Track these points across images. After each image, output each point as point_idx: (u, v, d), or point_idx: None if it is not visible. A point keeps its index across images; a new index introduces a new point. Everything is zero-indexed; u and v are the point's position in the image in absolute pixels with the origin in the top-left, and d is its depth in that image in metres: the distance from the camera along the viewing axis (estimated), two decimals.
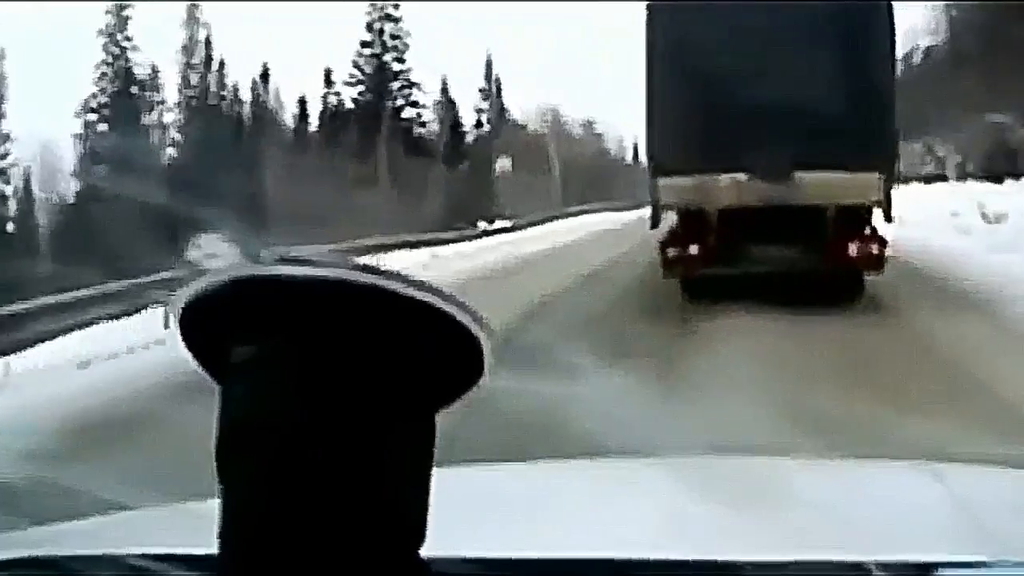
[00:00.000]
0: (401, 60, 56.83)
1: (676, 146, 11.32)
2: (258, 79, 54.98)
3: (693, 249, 11.42)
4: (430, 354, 0.65)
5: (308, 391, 0.63)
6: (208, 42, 52.93)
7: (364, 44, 56.74)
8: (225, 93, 53.89)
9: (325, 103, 57.41)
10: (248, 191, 34.19)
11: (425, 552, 0.66)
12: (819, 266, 11.17)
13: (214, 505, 0.65)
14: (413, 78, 56.77)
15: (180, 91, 52.43)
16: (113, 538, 1.44)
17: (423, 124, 58.39)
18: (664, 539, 1.34)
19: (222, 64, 53.34)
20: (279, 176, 41.37)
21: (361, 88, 56.37)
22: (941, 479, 1.66)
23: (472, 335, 0.65)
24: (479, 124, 62.57)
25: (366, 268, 0.63)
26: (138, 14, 50.17)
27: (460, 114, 61.24)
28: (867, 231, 11.29)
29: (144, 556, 1.20)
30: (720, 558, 1.18)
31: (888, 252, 11.30)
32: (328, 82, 57.87)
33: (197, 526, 1.19)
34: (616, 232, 27.40)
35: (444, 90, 60.15)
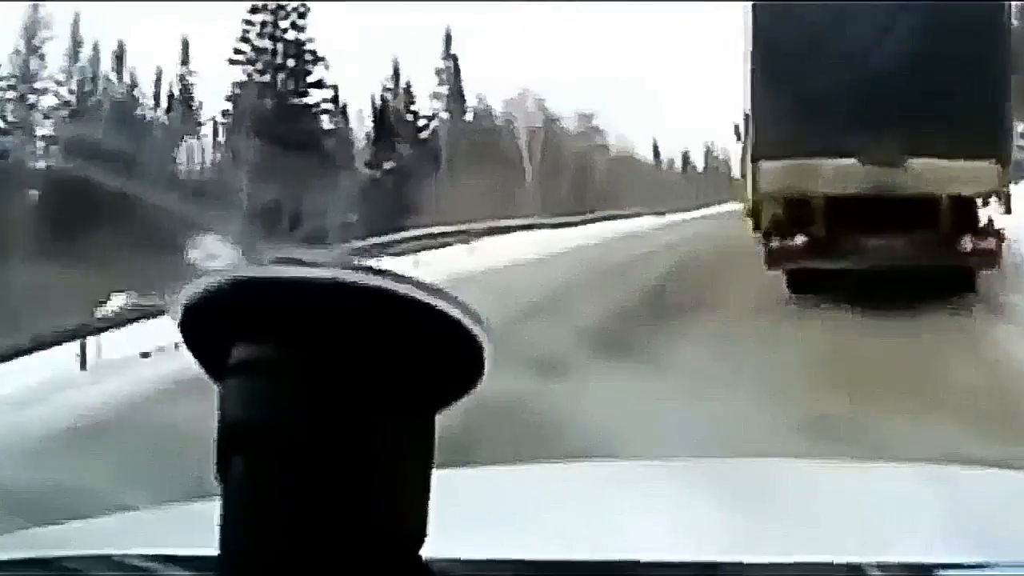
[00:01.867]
0: (299, 28, 41.91)
1: (779, 128, 10.61)
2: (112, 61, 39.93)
3: (799, 239, 10.69)
4: (430, 355, 0.65)
5: (308, 392, 0.63)
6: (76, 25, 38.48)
7: (255, 10, 41.18)
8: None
9: (184, 84, 42.17)
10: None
11: (425, 553, 0.66)
12: (931, 260, 10.38)
13: (214, 505, 0.65)
14: (319, 52, 41.71)
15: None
16: (113, 538, 1.44)
17: (335, 112, 43.67)
18: (664, 540, 1.34)
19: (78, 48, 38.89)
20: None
21: (250, 68, 41.28)
22: (941, 480, 1.66)
23: (473, 335, 0.65)
24: (413, 118, 48.38)
25: (365, 269, 0.63)
26: None
27: (408, 100, 48.50)
28: (983, 224, 10.55)
29: (144, 556, 1.20)
30: (720, 558, 1.18)
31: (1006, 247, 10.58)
32: (185, 59, 41.95)
33: (197, 526, 1.19)
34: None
35: (396, 74, 48.21)
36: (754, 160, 11.07)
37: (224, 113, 41.93)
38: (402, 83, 48.33)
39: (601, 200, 44.51)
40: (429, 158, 45.46)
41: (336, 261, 0.64)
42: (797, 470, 1.97)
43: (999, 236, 10.59)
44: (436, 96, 50.33)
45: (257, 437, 0.63)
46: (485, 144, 48.13)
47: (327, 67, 42.08)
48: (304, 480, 0.62)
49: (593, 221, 34.16)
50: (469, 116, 51.45)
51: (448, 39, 49.89)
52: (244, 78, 41.25)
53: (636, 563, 1.16)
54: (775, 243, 10.94)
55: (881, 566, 1.10)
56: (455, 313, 0.64)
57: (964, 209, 10.60)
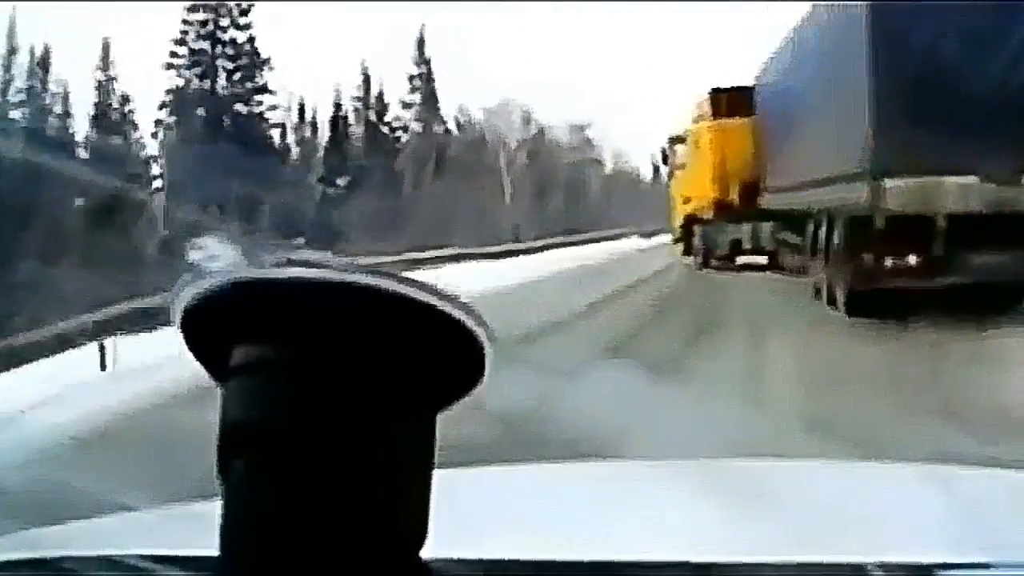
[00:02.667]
0: (240, 27, 37.73)
1: (902, 146, 10.46)
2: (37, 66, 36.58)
3: (911, 258, 10.61)
4: (430, 355, 0.65)
5: (309, 393, 0.63)
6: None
7: (192, 8, 37.71)
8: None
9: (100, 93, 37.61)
10: None
11: (425, 553, 0.66)
12: None
13: (214, 505, 0.65)
14: (271, 54, 38.08)
15: None
16: (113, 538, 1.44)
17: (284, 121, 39.83)
18: (664, 540, 1.34)
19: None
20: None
21: (189, 72, 37.72)
22: (941, 480, 1.66)
23: (473, 335, 0.65)
24: (376, 128, 43.38)
25: (366, 270, 0.63)
26: None
27: (374, 111, 43.59)
28: None
29: (144, 556, 1.20)
30: (720, 559, 1.18)
31: None
32: (105, 64, 38.04)
33: (197, 526, 1.19)
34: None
35: (366, 80, 43.41)
36: (876, 177, 10.82)
37: (157, 123, 38.06)
38: (374, 91, 44.08)
39: (588, 219, 41.03)
40: (391, 174, 41.47)
41: (337, 263, 0.64)
42: (797, 470, 1.97)
43: None
44: (406, 105, 45.49)
45: (258, 438, 0.63)
46: (460, 158, 44.23)
47: (271, 69, 38.07)
48: (305, 481, 0.62)
49: (557, 246, 30.58)
50: (449, 127, 47.00)
51: (421, 41, 45.05)
52: (180, 83, 37.66)
53: (636, 563, 1.16)
54: (888, 262, 10.75)
55: (881, 566, 1.10)
56: (456, 313, 0.64)
57: None
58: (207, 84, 37.93)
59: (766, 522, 1.47)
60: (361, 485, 0.63)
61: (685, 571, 1.16)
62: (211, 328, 0.65)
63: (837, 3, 11.83)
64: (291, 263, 0.63)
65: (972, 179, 10.37)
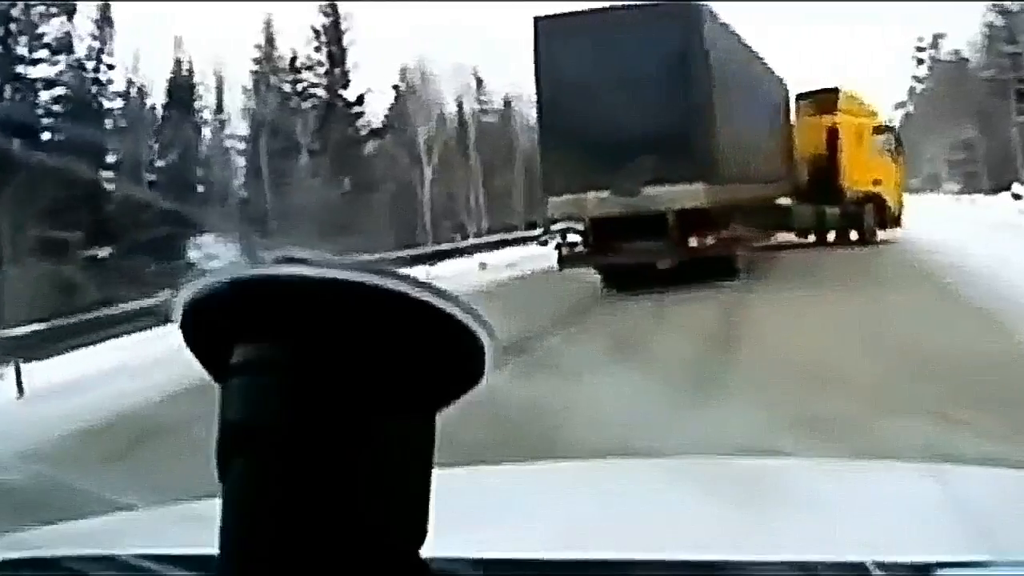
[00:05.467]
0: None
1: (558, 172, 15.88)
2: None
3: (579, 247, 16.92)
4: (430, 354, 0.65)
5: (308, 391, 0.63)
6: None
7: None
8: None
9: None
10: None
11: (424, 552, 0.66)
12: (670, 257, 15.40)
13: (214, 505, 0.65)
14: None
15: None
16: (113, 538, 1.44)
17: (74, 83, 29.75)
18: (664, 539, 1.34)
19: None
20: None
21: None
22: (940, 479, 1.66)
23: (473, 334, 0.65)
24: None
25: (366, 268, 0.63)
26: None
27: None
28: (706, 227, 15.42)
29: (144, 556, 1.20)
30: (719, 558, 1.18)
31: None
32: None
33: (197, 526, 1.19)
34: None
35: (269, 37, 33.90)
36: (544, 195, 16.31)
37: None
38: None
39: (509, 215, 33.50)
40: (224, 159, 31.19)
41: (336, 261, 0.64)
42: (797, 470, 1.97)
43: (718, 234, 15.41)
44: (307, 66, 34.60)
45: (257, 437, 0.63)
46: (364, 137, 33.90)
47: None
48: (304, 480, 0.62)
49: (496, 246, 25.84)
50: (357, 94, 35.47)
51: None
52: None
53: (636, 563, 1.16)
54: (565, 251, 16.54)
55: (882, 565, 1.10)
56: (456, 312, 0.64)
57: (691, 218, 14.94)
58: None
59: (766, 520, 1.47)
60: (360, 485, 0.63)
61: (685, 570, 1.16)
62: (211, 327, 0.65)
63: None
64: (292, 261, 0.63)
65: (606, 193, 15.18)
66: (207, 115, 36.05)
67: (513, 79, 36.32)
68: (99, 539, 1.43)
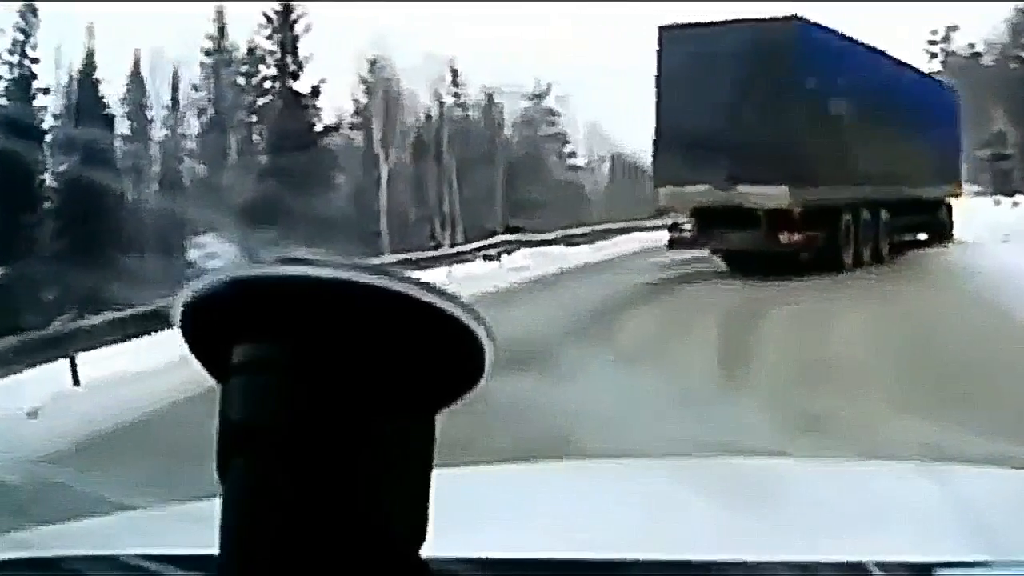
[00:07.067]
0: None
1: (667, 165, 18.13)
2: None
3: (687, 232, 18.93)
4: (430, 354, 0.65)
5: (308, 391, 0.63)
6: None
7: None
8: None
9: None
10: None
11: (425, 553, 0.66)
12: (761, 247, 17.06)
13: (214, 505, 0.65)
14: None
15: None
16: (113, 538, 1.44)
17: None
18: (664, 539, 1.34)
19: None
20: None
21: None
22: (940, 479, 1.66)
23: (473, 334, 0.65)
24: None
25: (366, 268, 0.63)
26: None
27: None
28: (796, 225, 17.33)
29: (144, 556, 1.20)
30: (719, 558, 1.18)
31: None
32: None
33: (197, 526, 1.19)
34: None
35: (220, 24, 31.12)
36: (655, 187, 18.67)
37: None
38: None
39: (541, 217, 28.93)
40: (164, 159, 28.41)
41: (337, 261, 0.64)
42: (797, 470, 1.97)
43: (803, 232, 16.96)
44: (258, 55, 31.24)
45: (257, 437, 0.63)
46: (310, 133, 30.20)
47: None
48: (304, 480, 0.62)
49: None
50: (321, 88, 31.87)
51: None
52: None
53: (636, 563, 1.16)
54: (675, 234, 18.46)
55: (881, 565, 1.10)
56: (456, 312, 0.64)
57: (781, 216, 16.68)
58: None
59: (766, 520, 1.47)
60: (360, 485, 0.63)
61: (685, 570, 1.16)
62: (211, 327, 0.65)
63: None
64: (292, 261, 0.63)
65: (705, 187, 16.97)
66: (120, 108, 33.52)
67: (492, 70, 34.33)
68: (99, 539, 1.43)
